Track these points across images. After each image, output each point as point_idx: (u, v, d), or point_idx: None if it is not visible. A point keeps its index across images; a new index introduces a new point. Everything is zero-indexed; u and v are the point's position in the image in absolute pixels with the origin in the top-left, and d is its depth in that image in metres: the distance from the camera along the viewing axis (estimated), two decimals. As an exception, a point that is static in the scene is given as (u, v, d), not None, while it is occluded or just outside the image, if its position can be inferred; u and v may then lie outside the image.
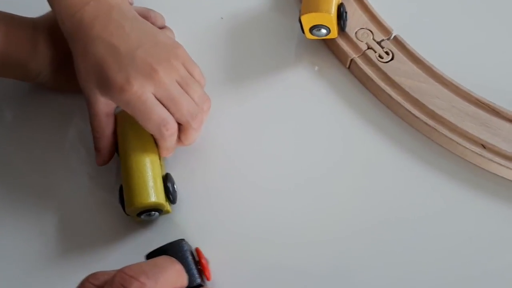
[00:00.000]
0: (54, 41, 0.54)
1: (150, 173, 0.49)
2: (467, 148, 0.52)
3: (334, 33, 0.57)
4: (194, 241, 0.48)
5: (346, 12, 0.57)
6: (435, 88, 0.55)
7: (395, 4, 0.61)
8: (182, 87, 0.50)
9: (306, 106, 0.57)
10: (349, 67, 0.58)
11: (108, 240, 0.50)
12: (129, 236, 0.50)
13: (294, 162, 0.54)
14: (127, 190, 0.48)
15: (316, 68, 0.59)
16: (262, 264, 0.49)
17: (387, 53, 0.57)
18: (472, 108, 0.54)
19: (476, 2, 0.62)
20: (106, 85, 0.48)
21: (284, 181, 0.53)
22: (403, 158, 0.54)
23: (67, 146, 0.55)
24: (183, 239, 0.45)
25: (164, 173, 0.51)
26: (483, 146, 0.52)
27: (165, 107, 0.49)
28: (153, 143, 0.51)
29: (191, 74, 0.51)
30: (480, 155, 0.52)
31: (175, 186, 0.51)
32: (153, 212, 0.49)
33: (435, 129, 0.53)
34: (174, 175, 0.52)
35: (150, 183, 0.48)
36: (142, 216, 0.49)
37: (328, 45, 0.60)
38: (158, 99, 0.49)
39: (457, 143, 0.52)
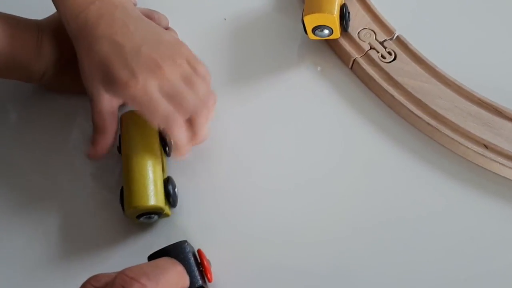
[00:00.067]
0: (58, 43, 0.54)
1: (151, 176, 0.49)
2: (469, 148, 0.52)
3: (336, 34, 0.57)
4: (195, 243, 0.48)
5: (348, 13, 0.57)
6: (438, 88, 0.55)
7: (397, 4, 0.61)
8: (186, 84, 0.50)
9: (308, 106, 0.57)
10: (351, 67, 0.58)
11: (109, 242, 0.51)
12: (130, 238, 0.50)
13: (296, 162, 0.54)
14: (127, 192, 0.49)
15: (319, 68, 0.59)
16: (264, 265, 0.50)
17: (389, 53, 0.57)
18: (475, 108, 0.54)
19: (478, 2, 0.62)
20: (111, 81, 0.49)
21: (286, 182, 0.53)
22: (405, 158, 0.54)
23: (70, 147, 0.56)
24: (185, 241, 0.45)
25: (165, 176, 0.51)
26: (485, 146, 0.52)
27: (170, 102, 0.49)
28: (157, 146, 0.51)
29: (195, 71, 0.52)
30: (482, 155, 0.52)
31: (176, 189, 0.51)
32: (153, 215, 0.49)
33: (437, 129, 0.53)
34: (176, 177, 0.52)
35: (151, 186, 0.49)
36: (142, 219, 0.49)
37: (331, 45, 0.60)
38: (162, 95, 0.49)
39: (459, 143, 0.52)
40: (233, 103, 0.57)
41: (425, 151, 0.54)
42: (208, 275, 0.46)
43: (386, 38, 0.58)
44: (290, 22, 0.61)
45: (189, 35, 0.60)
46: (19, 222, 0.52)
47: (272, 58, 0.60)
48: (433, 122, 0.53)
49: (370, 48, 0.57)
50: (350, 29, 0.58)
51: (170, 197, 0.50)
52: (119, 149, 0.52)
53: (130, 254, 0.50)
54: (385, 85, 0.56)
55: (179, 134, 0.50)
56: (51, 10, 0.55)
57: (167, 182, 0.50)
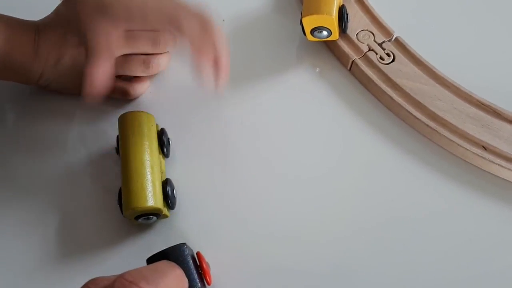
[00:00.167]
0: (56, 44, 0.54)
1: (150, 177, 0.49)
2: (468, 149, 0.52)
3: (335, 35, 0.57)
4: (194, 245, 0.48)
5: (347, 14, 0.57)
6: (436, 90, 0.55)
7: (396, 6, 0.61)
8: None
9: (307, 107, 0.57)
10: (350, 69, 0.58)
11: (108, 243, 0.50)
12: (129, 239, 0.50)
13: (295, 163, 0.54)
14: (125, 193, 0.48)
15: (317, 69, 0.59)
16: (263, 267, 0.49)
17: (388, 54, 0.57)
18: (473, 110, 0.54)
19: (477, 4, 0.62)
20: (105, 5, 0.49)
21: (285, 183, 0.53)
22: (404, 160, 0.54)
23: (69, 148, 0.55)
24: (184, 243, 0.45)
25: (164, 178, 0.51)
26: (484, 148, 0.52)
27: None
28: (155, 147, 0.51)
29: None
30: (481, 156, 0.52)
31: (174, 191, 0.51)
32: (151, 216, 0.49)
33: (436, 130, 0.53)
34: (174, 180, 0.52)
35: (149, 187, 0.48)
36: (140, 220, 0.49)
37: (329, 47, 0.60)
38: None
39: (458, 144, 0.52)
40: (231, 104, 0.57)
41: (424, 153, 0.54)
42: (207, 278, 0.46)
43: (384, 39, 0.58)
44: (289, 23, 0.61)
45: (187, 37, 0.60)
46: (17, 223, 0.52)
47: (271, 60, 0.60)
48: (432, 123, 0.53)
49: (369, 50, 0.57)
50: (348, 31, 0.58)
51: (169, 199, 0.50)
52: (118, 150, 0.52)
53: (129, 255, 0.49)
54: (383, 86, 0.56)
55: (189, 24, 0.49)
56: (47, 11, 0.55)
57: (166, 184, 0.50)
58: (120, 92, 0.56)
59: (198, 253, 0.46)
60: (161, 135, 0.53)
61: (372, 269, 0.49)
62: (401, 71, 0.56)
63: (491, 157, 0.52)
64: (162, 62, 0.57)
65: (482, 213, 0.51)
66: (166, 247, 0.45)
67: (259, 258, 0.50)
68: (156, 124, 0.53)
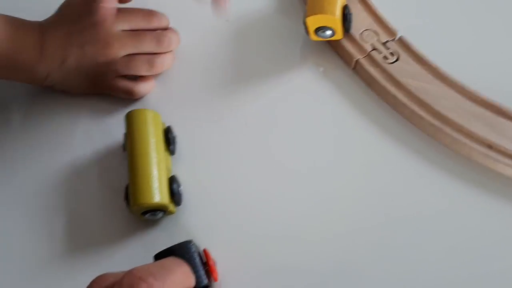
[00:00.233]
0: (61, 44, 0.54)
1: (156, 173, 0.49)
2: (473, 148, 0.52)
3: (339, 35, 0.57)
4: (200, 242, 0.48)
5: (351, 14, 0.57)
6: (441, 89, 0.55)
7: (400, 5, 0.61)
8: None
9: (311, 107, 0.57)
10: (354, 68, 0.58)
11: (115, 239, 0.51)
12: (136, 235, 0.50)
13: (299, 163, 0.54)
14: (132, 189, 0.49)
15: (321, 69, 0.59)
16: (268, 264, 0.49)
17: (392, 54, 0.57)
18: (478, 109, 0.54)
19: (481, 3, 0.62)
20: None
21: (289, 182, 0.53)
22: (408, 159, 0.54)
23: (75, 146, 0.56)
24: (190, 240, 0.45)
25: (170, 175, 0.51)
26: (490, 147, 0.52)
27: None
28: (162, 144, 0.51)
29: None
30: (486, 155, 0.52)
31: (180, 188, 0.51)
32: (157, 212, 0.49)
33: (440, 129, 0.53)
34: (180, 177, 0.52)
35: (155, 183, 0.49)
36: (146, 216, 0.49)
37: (333, 46, 0.60)
38: None
39: (463, 143, 0.52)
40: (235, 104, 0.57)
41: (428, 152, 0.54)
42: (214, 275, 0.46)
43: (388, 39, 0.58)
44: (292, 23, 0.61)
45: (191, 36, 0.61)
46: (25, 220, 0.52)
47: (274, 59, 0.60)
48: (436, 122, 0.53)
49: (373, 49, 0.57)
50: (352, 30, 0.58)
51: (175, 196, 0.50)
52: (125, 147, 0.52)
53: (135, 250, 0.50)
54: (387, 86, 0.55)
55: None
56: (50, 11, 0.55)
57: (172, 180, 0.50)
58: (125, 92, 0.57)
59: (204, 250, 0.46)
60: (167, 132, 0.53)
61: (376, 268, 0.49)
62: (405, 70, 0.56)
63: (497, 155, 0.51)
64: (166, 61, 0.57)
65: (487, 212, 0.51)
66: (173, 244, 0.45)
67: (264, 255, 0.50)
68: (162, 122, 0.53)
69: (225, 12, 0.52)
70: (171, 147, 0.53)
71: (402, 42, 0.57)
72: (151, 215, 0.49)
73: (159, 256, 0.44)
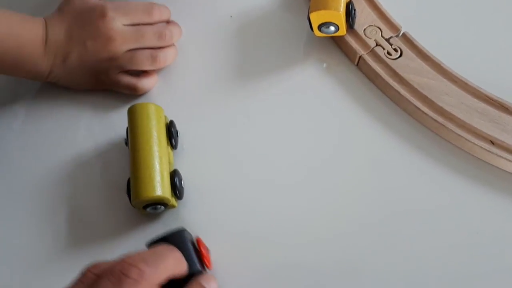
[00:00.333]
0: (64, 39, 0.54)
1: (158, 167, 0.49)
2: (475, 144, 0.52)
3: (342, 31, 0.57)
4: (201, 236, 0.49)
5: (354, 10, 0.57)
6: (444, 85, 0.55)
7: (403, 1, 0.61)
8: None
9: (314, 103, 0.57)
10: (357, 64, 0.58)
11: (117, 233, 0.51)
12: (137, 229, 0.51)
13: (302, 158, 0.54)
14: (134, 183, 0.49)
15: (325, 65, 0.59)
16: (270, 260, 0.50)
17: (395, 50, 0.57)
18: (481, 105, 0.53)
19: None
20: None
21: (291, 178, 0.53)
22: (411, 155, 0.54)
23: (78, 141, 0.56)
24: (183, 228, 0.46)
25: (172, 169, 0.52)
26: (492, 142, 0.52)
27: None
28: (164, 138, 0.52)
29: None
30: (489, 151, 0.51)
31: (182, 182, 0.51)
32: (159, 206, 0.50)
33: (443, 125, 0.53)
34: (182, 171, 0.52)
35: (157, 177, 0.49)
36: (148, 209, 0.50)
37: (337, 42, 0.60)
38: None
39: (466, 139, 0.52)
40: (238, 100, 0.58)
41: (431, 148, 0.54)
42: (206, 262, 0.46)
43: (392, 35, 0.58)
44: (296, 19, 0.61)
45: (195, 32, 0.61)
46: (28, 214, 0.53)
47: (278, 55, 0.60)
48: (439, 118, 0.53)
49: (376, 45, 0.57)
50: (356, 26, 0.58)
51: (177, 189, 0.50)
52: (127, 142, 0.52)
53: (137, 244, 0.49)
54: (391, 81, 0.55)
55: None
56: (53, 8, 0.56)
57: (174, 174, 0.51)
58: (128, 88, 0.57)
59: (197, 239, 0.47)
60: (170, 127, 0.53)
61: (379, 264, 0.49)
62: (409, 66, 0.56)
63: (499, 151, 0.51)
64: (169, 55, 0.57)
65: (490, 208, 0.51)
66: (166, 232, 0.45)
67: (265, 250, 0.50)
68: (165, 116, 0.54)
69: None
70: (173, 141, 0.53)
71: (405, 38, 0.57)
72: (153, 209, 0.50)
73: (151, 244, 0.45)
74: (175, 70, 0.59)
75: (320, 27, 0.57)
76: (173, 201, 0.50)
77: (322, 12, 0.55)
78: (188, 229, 0.48)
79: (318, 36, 0.58)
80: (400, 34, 0.58)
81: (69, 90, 0.58)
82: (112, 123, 0.56)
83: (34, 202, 0.53)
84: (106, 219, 0.52)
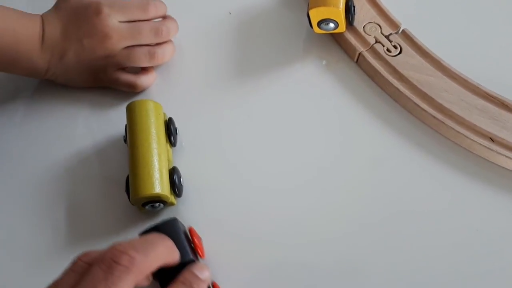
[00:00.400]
0: (61, 36, 0.54)
1: (157, 165, 0.49)
2: (475, 141, 0.52)
3: (342, 27, 0.57)
4: (201, 233, 0.49)
5: (354, 6, 0.57)
6: (444, 82, 0.55)
7: (403, -2, 0.61)
8: None
9: (313, 100, 0.57)
10: (357, 61, 0.58)
11: (116, 230, 0.51)
12: (136, 227, 0.50)
13: (301, 156, 0.54)
14: (133, 180, 0.49)
15: (324, 62, 0.59)
16: (267, 258, 0.50)
17: (395, 47, 0.57)
18: (481, 102, 0.53)
19: (485, -4, 0.62)
20: None
21: (290, 176, 0.53)
22: (411, 152, 0.54)
23: (77, 138, 0.56)
24: (175, 218, 0.46)
25: (171, 166, 0.51)
26: (492, 140, 0.52)
27: None
28: (162, 135, 0.52)
29: None
30: (489, 148, 0.51)
31: (181, 179, 0.51)
32: (158, 204, 0.49)
33: (443, 122, 0.53)
34: (181, 169, 0.52)
35: (156, 174, 0.49)
36: (147, 207, 0.50)
37: (336, 39, 0.60)
38: None
39: (465, 136, 0.52)
40: (237, 97, 0.57)
41: (430, 145, 0.54)
42: (199, 251, 0.46)
43: (391, 31, 0.58)
44: (296, 15, 0.61)
45: (194, 28, 0.61)
46: (27, 212, 0.53)
47: (277, 52, 0.60)
48: (439, 115, 0.53)
49: (376, 42, 0.57)
50: (355, 23, 0.58)
51: (176, 187, 0.50)
52: (126, 140, 0.52)
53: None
54: (390, 78, 0.55)
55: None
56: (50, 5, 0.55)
57: (173, 171, 0.50)
58: (127, 85, 0.57)
59: (190, 228, 0.47)
60: (169, 124, 0.53)
61: (378, 261, 0.49)
62: (408, 63, 0.56)
63: (499, 148, 0.51)
64: (167, 51, 0.57)
65: (489, 205, 0.51)
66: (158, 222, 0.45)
67: (264, 248, 0.50)
68: (164, 113, 0.53)
69: None
70: (172, 138, 0.53)
71: (405, 35, 0.57)
72: (152, 207, 0.50)
73: (144, 234, 0.45)
74: (174, 67, 0.59)
75: (319, 24, 0.57)
76: (172, 198, 0.50)
77: (321, 8, 0.55)
78: (186, 225, 0.48)
79: (318, 33, 0.58)
80: (400, 31, 0.58)
81: (67, 87, 0.58)
82: (111, 120, 0.56)
83: (33, 200, 0.53)
84: (105, 217, 0.52)
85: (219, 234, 0.50)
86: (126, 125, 0.52)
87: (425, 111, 0.54)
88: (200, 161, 0.54)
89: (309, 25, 0.58)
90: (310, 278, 0.49)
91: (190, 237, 0.46)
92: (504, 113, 0.53)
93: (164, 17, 0.58)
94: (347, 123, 0.56)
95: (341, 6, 0.55)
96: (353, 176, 0.53)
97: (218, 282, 0.47)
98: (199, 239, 0.47)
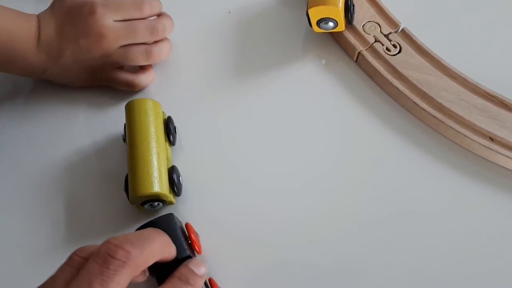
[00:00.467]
0: (55, 38, 0.54)
1: (156, 164, 0.49)
2: (475, 140, 0.52)
3: (341, 26, 0.57)
4: (200, 232, 0.49)
5: (353, 5, 0.57)
6: (443, 81, 0.54)
7: (402, -3, 0.61)
8: None
9: (313, 99, 0.57)
10: (356, 60, 0.58)
11: (115, 229, 0.51)
12: (134, 226, 0.49)
13: (300, 155, 0.54)
14: (132, 179, 0.49)
15: (324, 61, 0.59)
16: (266, 258, 0.49)
17: (394, 46, 0.57)
18: (480, 101, 0.53)
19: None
20: None
21: (290, 176, 0.53)
22: (410, 151, 0.54)
23: (76, 137, 0.56)
24: (171, 214, 0.46)
25: (170, 165, 0.51)
26: (491, 139, 0.52)
27: None
28: (161, 134, 0.51)
29: None
30: (488, 147, 0.51)
31: (180, 178, 0.51)
32: (157, 203, 0.49)
33: (442, 122, 0.53)
34: (180, 168, 0.52)
35: (155, 173, 0.49)
36: (146, 206, 0.50)
37: (336, 38, 0.60)
38: None
39: (465, 135, 0.52)
40: (237, 96, 0.57)
41: (430, 144, 0.54)
42: (196, 247, 0.46)
43: (391, 30, 0.58)
44: (295, 15, 0.61)
45: (193, 28, 0.61)
46: (26, 210, 0.53)
47: (277, 51, 0.60)
48: (438, 114, 0.53)
49: (375, 41, 0.57)
50: (355, 22, 0.58)
51: (175, 186, 0.50)
52: (125, 138, 0.52)
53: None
54: (390, 77, 0.55)
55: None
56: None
57: (172, 170, 0.50)
58: (126, 84, 0.57)
59: (187, 224, 0.47)
60: (168, 123, 0.53)
61: (377, 262, 0.49)
62: (408, 62, 0.56)
63: (498, 148, 0.51)
64: (163, 49, 0.57)
65: (489, 204, 0.51)
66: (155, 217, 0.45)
67: (264, 247, 0.50)
68: (163, 112, 0.53)
69: None
70: (171, 137, 0.53)
71: (404, 34, 0.57)
72: (151, 206, 0.50)
73: (141, 229, 0.45)
74: (173, 66, 0.59)
75: (318, 23, 0.57)
76: (171, 197, 0.50)
77: (320, 7, 0.55)
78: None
79: (317, 32, 0.58)
80: (399, 30, 0.58)
81: (66, 87, 0.58)
82: (110, 119, 0.56)
83: (32, 199, 0.53)
84: (104, 216, 0.52)
85: (218, 233, 0.50)
86: (125, 124, 0.52)
87: (424, 110, 0.54)
88: (199, 160, 0.54)
89: (308, 24, 0.57)
90: (309, 277, 0.48)
91: (187, 233, 0.46)
92: (503, 112, 0.53)
93: (159, 15, 0.58)
94: (346, 122, 0.56)
95: (340, 5, 0.55)
96: (353, 175, 0.53)
97: (215, 279, 0.47)
98: (196, 234, 0.47)
